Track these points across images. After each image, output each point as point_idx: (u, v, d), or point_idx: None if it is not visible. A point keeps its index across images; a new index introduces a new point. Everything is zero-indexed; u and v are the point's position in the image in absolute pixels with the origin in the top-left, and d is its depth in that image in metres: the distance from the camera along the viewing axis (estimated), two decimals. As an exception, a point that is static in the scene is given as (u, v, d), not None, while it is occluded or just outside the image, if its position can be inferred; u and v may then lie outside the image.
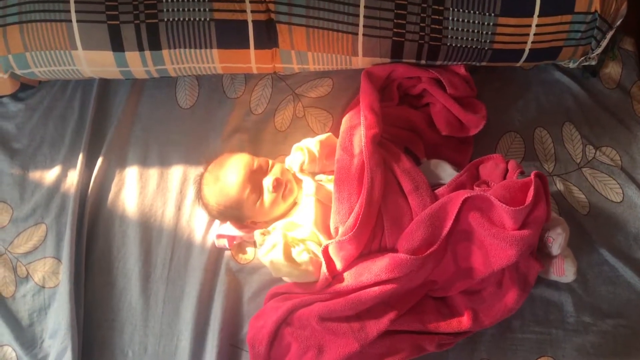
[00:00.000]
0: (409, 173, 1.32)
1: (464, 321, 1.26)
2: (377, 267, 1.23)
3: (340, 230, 1.27)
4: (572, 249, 1.31)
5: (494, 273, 1.21)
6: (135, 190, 1.49)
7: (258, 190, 1.33)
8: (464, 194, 1.22)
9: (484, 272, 1.22)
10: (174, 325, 1.38)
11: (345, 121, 1.40)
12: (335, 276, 1.28)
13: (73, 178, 1.50)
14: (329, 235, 1.32)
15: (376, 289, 1.23)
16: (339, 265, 1.27)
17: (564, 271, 1.27)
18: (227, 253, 1.42)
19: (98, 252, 1.45)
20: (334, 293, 1.26)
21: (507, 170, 1.31)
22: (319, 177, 1.36)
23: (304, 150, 1.33)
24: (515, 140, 1.51)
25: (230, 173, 1.33)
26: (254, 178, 1.33)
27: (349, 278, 1.26)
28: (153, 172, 1.51)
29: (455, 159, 1.45)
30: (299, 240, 1.31)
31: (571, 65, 1.50)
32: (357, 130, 1.35)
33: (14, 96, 1.60)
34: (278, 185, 1.32)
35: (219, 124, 1.55)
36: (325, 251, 1.28)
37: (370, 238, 1.28)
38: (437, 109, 1.44)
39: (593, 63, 1.47)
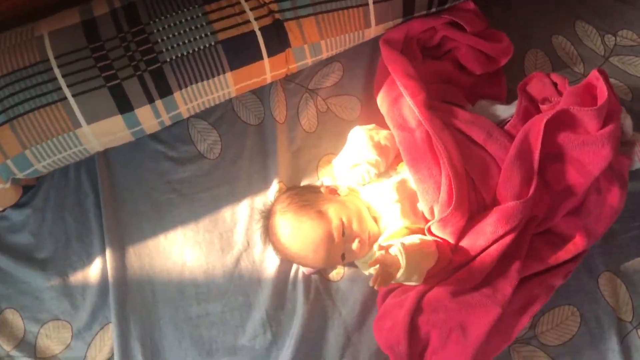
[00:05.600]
0: (473, 123, 1.26)
1: (579, 241, 1.23)
2: (490, 226, 1.18)
3: (436, 208, 1.20)
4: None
5: (595, 180, 1.18)
6: (193, 250, 1.36)
7: (341, 254, 1.22)
8: (541, 118, 1.17)
9: (585, 183, 1.18)
10: None
11: (383, 98, 1.32)
12: (452, 250, 1.21)
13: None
14: (420, 220, 1.24)
15: (495, 246, 1.18)
16: (450, 240, 1.21)
17: None
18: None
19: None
20: (456, 267, 1.20)
21: (554, 83, 1.28)
22: (390, 174, 1.29)
23: (364, 164, 1.25)
24: (538, 55, 1.49)
25: (309, 252, 1.21)
26: (335, 246, 1.21)
27: (467, 247, 1.20)
28: (205, 231, 1.37)
29: (494, 93, 1.42)
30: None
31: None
32: (402, 101, 1.27)
33: (15, 205, 1.39)
34: (362, 245, 1.21)
35: (254, 157, 1.42)
36: (429, 231, 1.21)
37: (469, 203, 1.21)
38: (463, 51, 1.39)
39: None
